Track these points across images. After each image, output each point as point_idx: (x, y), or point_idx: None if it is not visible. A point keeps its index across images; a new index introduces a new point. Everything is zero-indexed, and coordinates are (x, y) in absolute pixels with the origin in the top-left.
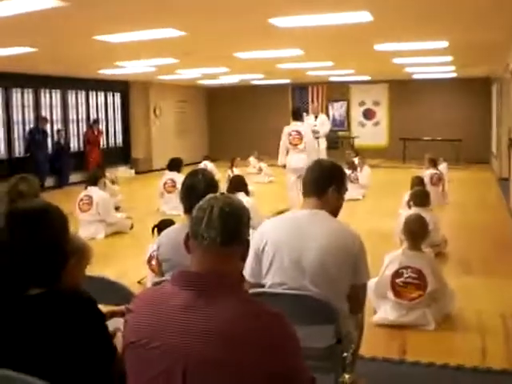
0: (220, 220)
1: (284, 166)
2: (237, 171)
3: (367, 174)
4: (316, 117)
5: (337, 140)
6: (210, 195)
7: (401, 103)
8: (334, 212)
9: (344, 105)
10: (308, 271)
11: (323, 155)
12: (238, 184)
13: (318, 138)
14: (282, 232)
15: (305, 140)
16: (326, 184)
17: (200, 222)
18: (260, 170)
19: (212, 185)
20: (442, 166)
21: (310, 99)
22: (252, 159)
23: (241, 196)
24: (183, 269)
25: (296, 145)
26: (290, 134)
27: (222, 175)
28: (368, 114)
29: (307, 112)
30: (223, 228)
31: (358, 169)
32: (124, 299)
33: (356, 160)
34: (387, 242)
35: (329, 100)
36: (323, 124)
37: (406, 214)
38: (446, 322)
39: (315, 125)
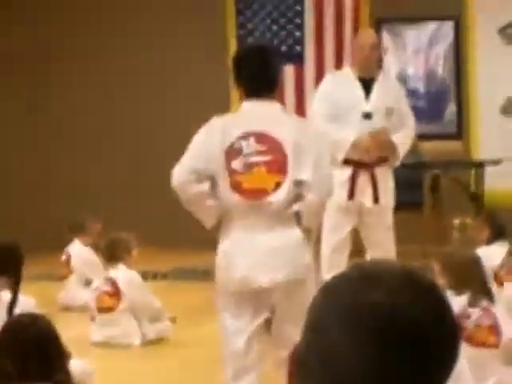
0: None
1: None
2: None
3: None
4: (368, 81)
5: (416, 171)
6: None
7: None
8: None
9: (446, 36)
10: None
11: (388, 239)
12: None
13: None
14: None
15: (299, 171)
16: None
17: None
18: (114, 291)
19: None
20: None
21: (311, 14)
22: (73, 251)
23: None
24: None
25: (258, 192)
26: (237, 151)
27: None
28: None
29: (297, 59)
30: None
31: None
32: None
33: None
34: None
35: (380, 20)
36: (400, 111)
37: None
38: None
39: (367, 114)
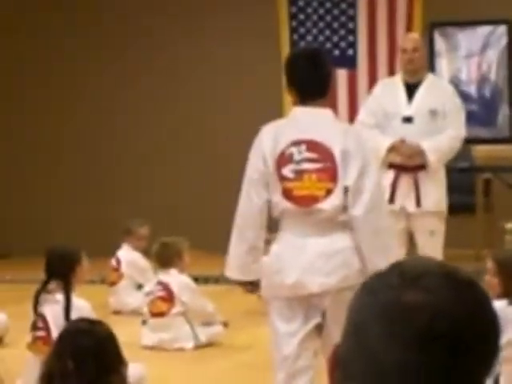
0: None
1: (252, 287)
2: None
3: None
4: (414, 86)
5: (468, 175)
6: None
7: None
8: None
9: (499, 39)
10: None
11: (432, 244)
12: None
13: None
14: None
15: (345, 178)
16: None
17: None
18: (168, 296)
19: None
20: None
21: (364, 18)
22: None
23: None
24: None
25: (309, 200)
26: (287, 158)
27: None
28: None
29: (350, 64)
30: None
31: None
32: None
33: None
34: None
35: (433, 24)
36: (449, 113)
37: None
38: None
39: (407, 118)
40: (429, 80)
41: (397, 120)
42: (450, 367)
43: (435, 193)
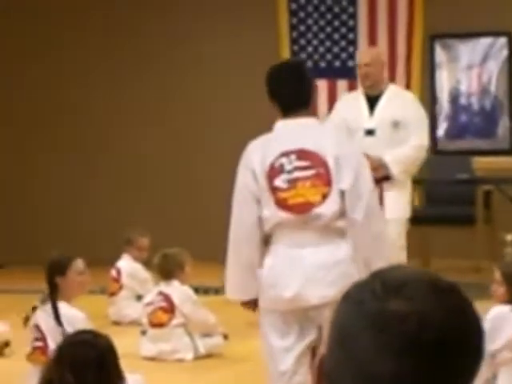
0: None
1: (255, 305)
2: None
3: None
4: (375, 98)
5: (468, 186)
6: None
7: None
8: None
9: (500, 51)
10: None
11: (395, 254)
12: None
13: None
14: None
15: (340, 182)
16: None
17: None
18: (169, 307)
19: None
20: None
21: (364, 30)
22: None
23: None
24: None
25: (305, 206)
26: (278, 169)
27: None
28: None
29: (350, 75)
30: None
31: None
32: None
33: None
34: None
35: (433, 36)
36: (411, 122)
37: None
38: None
39: (369, 131)
40: (390, 91)
41: (359, 133)
42: (438, 371)
43: (397, 202)
